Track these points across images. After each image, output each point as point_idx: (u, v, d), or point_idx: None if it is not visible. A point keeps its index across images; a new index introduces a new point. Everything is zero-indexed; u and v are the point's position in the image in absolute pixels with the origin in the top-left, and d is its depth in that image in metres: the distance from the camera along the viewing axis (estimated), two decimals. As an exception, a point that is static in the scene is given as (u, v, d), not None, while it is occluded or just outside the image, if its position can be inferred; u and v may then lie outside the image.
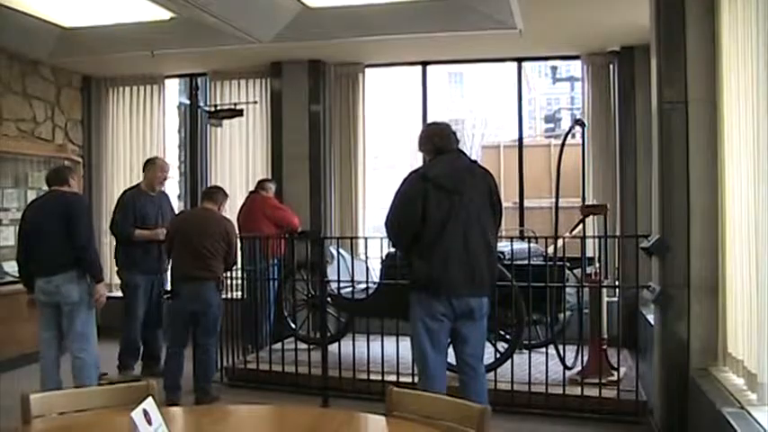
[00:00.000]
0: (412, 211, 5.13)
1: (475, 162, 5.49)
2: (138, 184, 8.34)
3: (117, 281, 10.65)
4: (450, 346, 5.43)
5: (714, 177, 5.36)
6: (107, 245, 10.77)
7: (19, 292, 8.27)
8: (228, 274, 7.72)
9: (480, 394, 5.26)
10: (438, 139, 5.35)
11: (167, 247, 7.38)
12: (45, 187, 9.49)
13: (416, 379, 5.56)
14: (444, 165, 5.24)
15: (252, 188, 9.70)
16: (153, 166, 8.24)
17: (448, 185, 5.13)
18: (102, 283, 6.61)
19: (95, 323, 6.75)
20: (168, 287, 7.36)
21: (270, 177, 9.89)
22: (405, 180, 5.29)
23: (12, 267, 8.94)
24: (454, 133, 5.43)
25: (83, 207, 6.75)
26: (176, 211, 8.61)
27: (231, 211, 9.91)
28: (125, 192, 8.39)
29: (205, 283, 7.00)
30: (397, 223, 5.26)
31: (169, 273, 7.59)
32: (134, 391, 3.20)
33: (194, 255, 6.98)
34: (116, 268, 8.38)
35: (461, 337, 5.30)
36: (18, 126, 9.70)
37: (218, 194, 7.47)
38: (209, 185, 10.11)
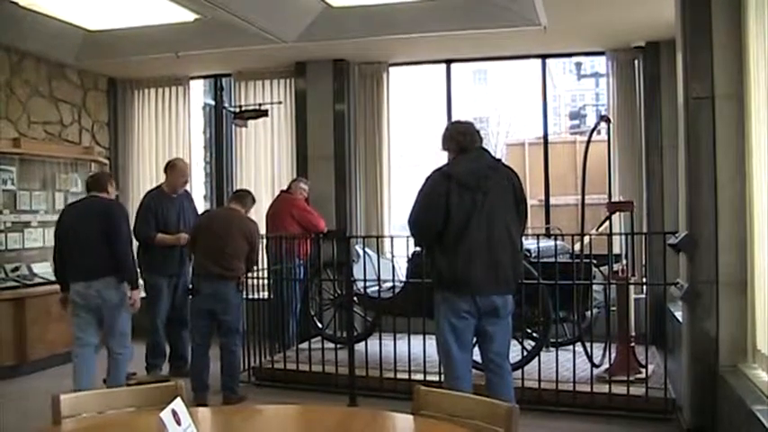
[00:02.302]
0: (435, 209, 5.12)
1: (499, 160, 5.48)
2: (159, 186, 8.37)
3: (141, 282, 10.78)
4: (476, 344, 5.43)
5: (742, 172, 5.32)
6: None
7: (49, 293, 8.40)
8: (254, 273, 7.75)
9: (507, 392, 5.25)
10: (461, 138, 5.33)
11: (190, 245, 7.45)
12: (72, 189, 9.70)
13: (443, 378, 5.55)
14: (467, 163, 5.22)
15: (281, 187, 9.78)
16: (173, 171, 8.24)
17: (471, 184, 5.12)
18: (137, 289, 6.78)
19: (130, 325, 6.96)
20: (190, 285, 7.39)
21: (302, 177, 9.91)
22: (428, 178, 5.28)
23: (41, 269, 9.05)
24: (477, 132, 5.41)
25: (122, 213, 6.87)
26: (199, 212, 8.63)
27: (258, 210, 9.97)
28: (146, 194, 8.43)
29: (225, 282, 7.02)
30: (420, 222, 5.26)
31: (191, 270, 7.61)
32: (163, 391, 3.21)
33: (216, 253, 7.01)
34: (138, 270, 8.46)
35: (487, 336, 5.29)
36: (45, 129, 9.79)
37: (246, 198, 7.50)
38: (236, 187, 10.21)
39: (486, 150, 5.42)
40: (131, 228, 7.06)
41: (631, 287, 7.14)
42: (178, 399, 2.59)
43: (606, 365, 7.08)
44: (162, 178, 10.47)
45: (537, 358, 6.97)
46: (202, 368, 7.10)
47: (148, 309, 8.12)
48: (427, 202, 5.19)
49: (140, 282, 6.85)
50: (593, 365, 7.07)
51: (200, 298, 7.11)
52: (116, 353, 6.78)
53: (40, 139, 9.64)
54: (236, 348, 7.20)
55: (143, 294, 8.29)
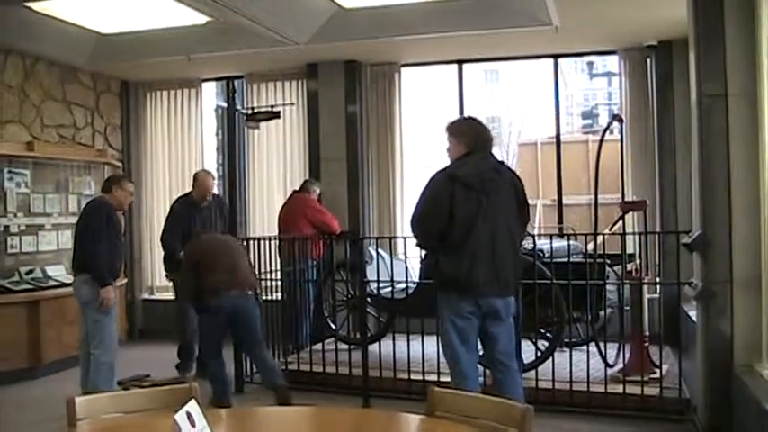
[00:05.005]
0: (439, 210, 5.11)
1: (502, 162, 5.46)
2: (189, 193, 8.47)
3: (158, 284, 10.81)
4: (481, 345, 5.42)
5: (756, 171, 5.30)
6: (148, 248, 10.91)
7: (63, 295, 8.45)
8: (268, 275, 7.78)
9: (515, 390, 5.24)
10: (479, 140, 5.30)
11: (190, 273, 6.98)
12: (86, 192, 9.81)
13: (450, 378, 5.52)
14: (472, 165, 5.21)
15: (294, 188, 9.80)
16: (195, 182, 8.38)
17: (475, 185, 5.11)
18: (107, 287, 6.72)
19: (113, 325, 6.93)
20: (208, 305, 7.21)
21: (314, 179, 9.90)
22: (431, 179, 5.27)
23: (55, 272, 9.13)
24: (490, 137, 5.42)
25: (95, 213, 6.90)
26: (229, 218, 8.69)
27: (270, 211, 10.01)
28: (175, 201, 8.57)
29: (246, 297, 6.94)
30: (424, 223, 5.25)
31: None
32: (178, 393, 3.22)
33: (231, 271, 6.87)
34: (164, 273, 8.54)
35: (491, 337, 5.29)
36: (59, 132, 9.83)
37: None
38: (248, 189, 10.46)
39: (491, 153, 5.42)
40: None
41: (645, 287, 7.12)
42: (192, 400, 2.60)
43: (620, 365, 7.06)
44: (174, 180, 10.65)
45: (551, 358, 6.95)
46: (223, 378, 7.01)
47: (177, 310, 8.20)
48: (431, 204, 5.18)
49: (147, 281, 6.90)
50: (607, 365, 7.05)
51: (217, 316, 6.90)
52: (91, 352, 6.80)
53: (53, 142, 9.68)
54: (268, 351, 7.24)
55: (168, 296, 8.38)
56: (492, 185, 5.16)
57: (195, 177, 8.46)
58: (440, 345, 5.65)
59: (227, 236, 7.42)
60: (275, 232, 9.13)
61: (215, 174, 12.49)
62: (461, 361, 5.24)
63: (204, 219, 8.19)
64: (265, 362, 7.11)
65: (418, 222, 5.29)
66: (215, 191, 8.69)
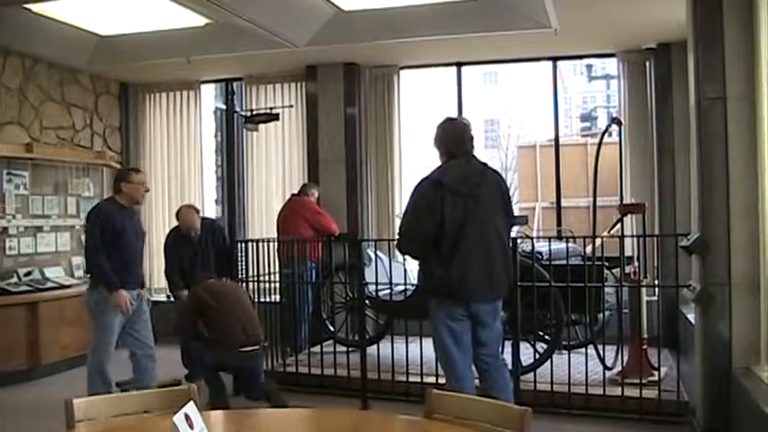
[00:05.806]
0: (432, 218, 5.11)
1: (485, 164, 5.45)
2: (177, 226, 8.43)
3: (156, 285, 10.80)
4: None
5: (754, 173, 5.30)
6: (146, 250, 10.88)
7: (62, 297, 8.44)
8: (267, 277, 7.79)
9: (503, 386, 5.32)
10: (453, 145, 5.30)
11: (191, 321, 6.97)
12: (85, 194, 9.83)
13: (445, 380, 5.51)
14: (458, 170, 5.21)
15: (292, 190, 9.82)
16: (179, 220, 8.36)
17: (463, 190, 5.12)
18: (116, 291, 6.44)
19: (108, 331, 6.56)
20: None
21: (313, 182, 9.90)
22: (418, 187, 5.26)
23: (53, 273, 9.13)
24: (471, 136, 5.39)
25: (91, 218, 6.70)
26: (227, 242, 8.67)
27: (269, 213, 10.01)
28: (168, 234, 8.59)
29: (257, 356, 6.81)
30: (417, 232, 5.20)
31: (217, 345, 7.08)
32: (176, 395, 3.22)
33: (245, 323, 6.75)
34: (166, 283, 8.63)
35: (479, 341, 5.31)
36: (57, 134, 9.83)
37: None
38: (247, 191, 10.39)
39: (474, 155, 5.41)
40: (100, 230, 6.67)
41: (643, 289, 7.12)
42: (191, 402, 2.60)
43: (618, 368, 7.07)
44: (173, 183, 10.65)
45: (549, 361, 6.95)
46: (219, 380, 6.97)
47: (179, 317, 8.23)
48: (423, 212, 5.15)
49: (147, 284, 6.80)
50: (606, 368, 7.05)
51: (222, 366, 6.89)
52: (87, 356, 6.70)
53: (52, 143, 9.68)
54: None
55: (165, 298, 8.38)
56: (479, 189, 5.17)
57: (177, 214, 8.42)
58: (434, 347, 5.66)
59: (234, 284, 7.33)
60: (274, 234, 9.13)
61: (214, 176, 12.53)
62: (456, 362, 5.25)
63: (195, 248, 8.24)
64: (265, 389, 7.04)
65: (411, 232, 5.25)
66: (213, 213, 8.70)
